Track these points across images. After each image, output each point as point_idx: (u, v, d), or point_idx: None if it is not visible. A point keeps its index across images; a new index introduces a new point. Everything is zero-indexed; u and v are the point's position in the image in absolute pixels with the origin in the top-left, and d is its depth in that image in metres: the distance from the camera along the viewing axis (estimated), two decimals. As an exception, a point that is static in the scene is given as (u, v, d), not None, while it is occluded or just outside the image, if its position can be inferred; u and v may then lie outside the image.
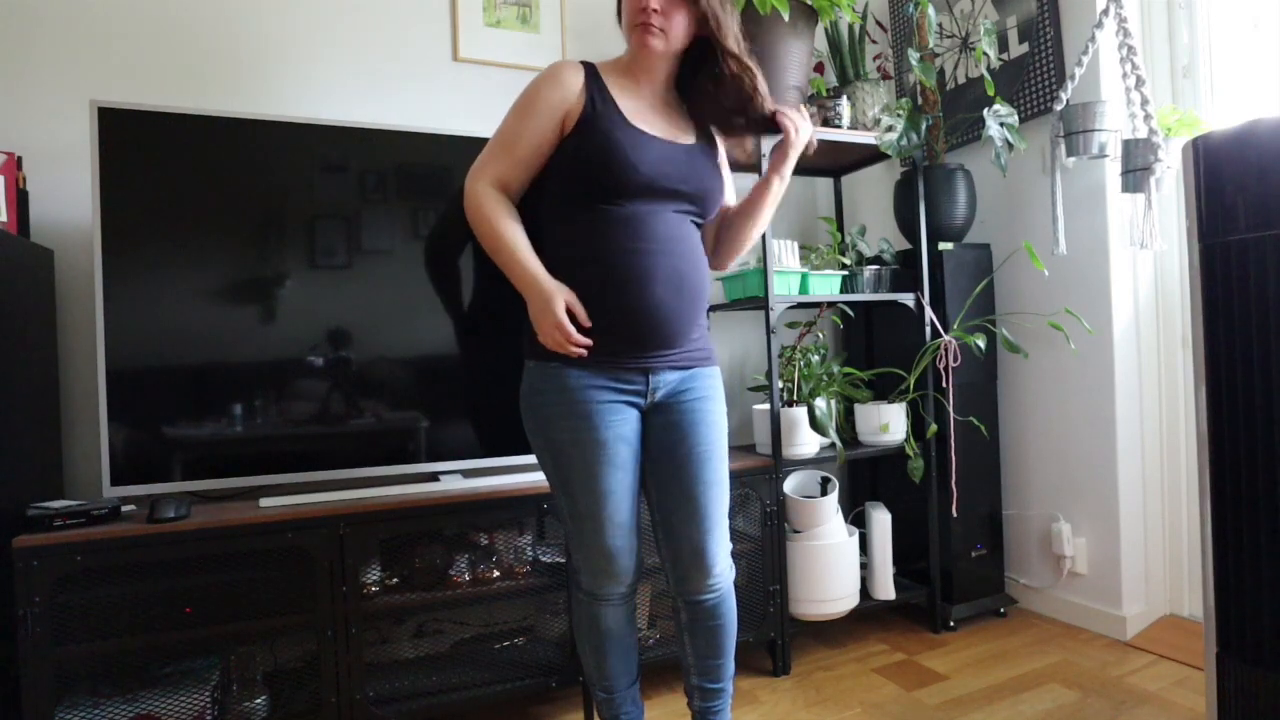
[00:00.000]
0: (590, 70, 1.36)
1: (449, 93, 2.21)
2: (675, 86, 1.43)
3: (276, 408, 1.67)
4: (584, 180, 1.31)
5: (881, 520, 2.14)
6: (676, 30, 1.32)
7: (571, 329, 1.26)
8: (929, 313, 2.16)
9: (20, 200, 1.62)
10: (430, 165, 1.81)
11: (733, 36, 1.34)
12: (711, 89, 1.39)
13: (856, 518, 2.24)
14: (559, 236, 1.35)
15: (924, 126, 2.12)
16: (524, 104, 1.34)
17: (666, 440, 1.37)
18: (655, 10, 1.29)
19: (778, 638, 1.95)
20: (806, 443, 2.02)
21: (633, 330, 1.30)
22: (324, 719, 1.54)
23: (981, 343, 2.02)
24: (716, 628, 1.43)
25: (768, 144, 1.94)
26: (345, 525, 1.56)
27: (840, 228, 2.50)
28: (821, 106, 2.19)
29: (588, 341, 1.28)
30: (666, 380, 1.37)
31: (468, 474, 1.87)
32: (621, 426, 1.33)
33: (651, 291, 1.30)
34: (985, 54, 2.05)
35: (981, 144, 2.26)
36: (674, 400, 1.38)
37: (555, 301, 1.26)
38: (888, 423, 2.15)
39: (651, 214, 1.32)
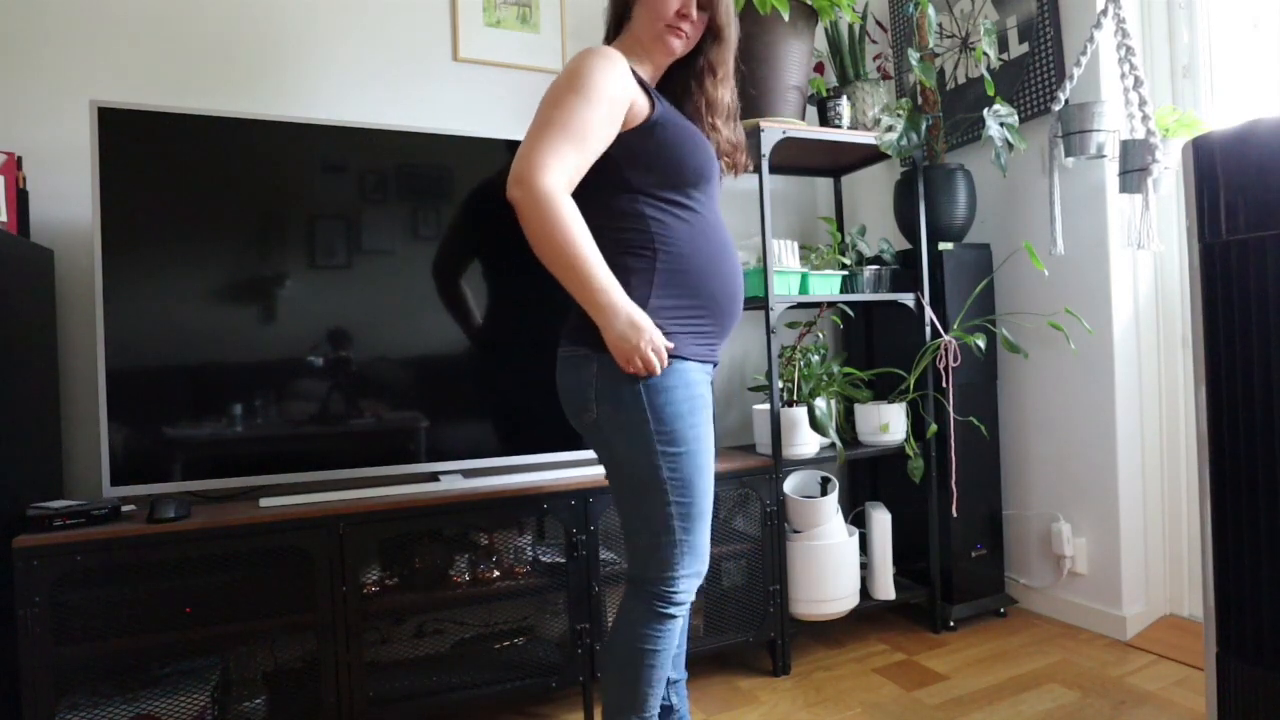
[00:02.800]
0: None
1: (449, 93, 2.21)
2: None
3: (276, 408, 1.67)
4: (677, 176, 1.27)
5: (881, 520, 2.14)
6: (694, 39, 1.34)
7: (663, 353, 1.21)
8: (929, 313, 2.16)
9: (20, 200, 1.62)
10: (431, 165, 1.80)
11: (730, 56, 1.37)
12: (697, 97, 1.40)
13: (856, 518, 2.24)
14: (644, 235, 1.26)
15: (924, 126, 2.12)
16: (592, 93, 1.17)
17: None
18: (692, 20, 1.30)
19: (778, 638, 1.95)
20: (806, 443, 2.02)
21: (728, 321, 1.32)
22: (324, 719, 1.54)
23: (981, 343, 2.02)
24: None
25: (767, 143, 1.94)
26: (345, 525, 1.56)
27: (840, 228, 2.50)
28: (821, 106, 2.19)
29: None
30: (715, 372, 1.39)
31: (468, 474, 1.87)
32: None
33: (736, 279, 1.33)
34: (985, 54, 2.05)
35: (981, 144, 2.26)
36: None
37: (649, 328, 1.18)
38: (888, 423, 2.15)
39: (714, 202, 1.34)
